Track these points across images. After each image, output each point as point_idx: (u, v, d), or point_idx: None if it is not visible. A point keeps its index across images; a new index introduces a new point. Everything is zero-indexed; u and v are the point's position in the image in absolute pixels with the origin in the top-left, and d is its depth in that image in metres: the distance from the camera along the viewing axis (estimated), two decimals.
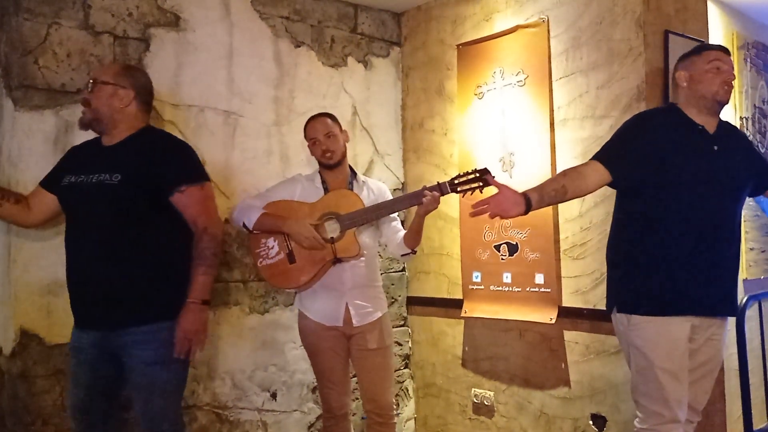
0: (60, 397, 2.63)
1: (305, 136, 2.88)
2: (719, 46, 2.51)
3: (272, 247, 2.77)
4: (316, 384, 3.38)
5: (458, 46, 3.49)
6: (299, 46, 3.43)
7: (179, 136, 3.00)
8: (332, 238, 2.71)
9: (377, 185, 2.95)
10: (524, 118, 3.15)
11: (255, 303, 3.24)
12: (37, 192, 2.46)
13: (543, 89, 3.07)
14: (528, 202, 2.23)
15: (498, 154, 3.26)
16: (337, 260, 2.72)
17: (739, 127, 3.61)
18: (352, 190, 2.81)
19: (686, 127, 2.35)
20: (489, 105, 3.32)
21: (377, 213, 2.74)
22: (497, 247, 3.24)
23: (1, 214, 2.45)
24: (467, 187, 2.65)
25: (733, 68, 2.38)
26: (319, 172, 2.88)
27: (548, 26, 3.07)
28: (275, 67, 3.34)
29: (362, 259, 2.77)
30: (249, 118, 3.24)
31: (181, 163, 2.36)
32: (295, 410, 3.34)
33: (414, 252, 2.83)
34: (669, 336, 2.24)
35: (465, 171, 2.69)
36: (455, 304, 3.45)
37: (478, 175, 2.63)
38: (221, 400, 3.11)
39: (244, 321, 3.20)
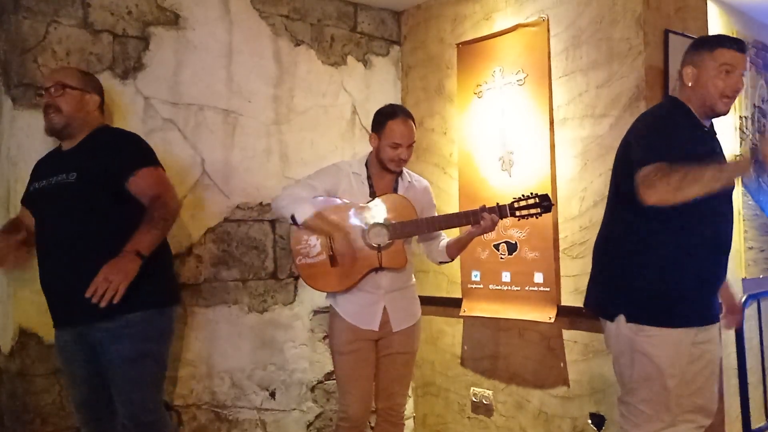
0: (59, 396, 2.64)
1: (382, 133, 2.62)
2: (736, 41, 2.25)
3: (314, 246, 2.62)
4: (315, 383, 3.39)
5: (458, 45, 3.49)
6: (299, 45, 3.43)
7: (178, 135, 3.02)
8: (379, 245, 2.58)
9: (422, 184, 2.81)
10: (524, 117, 3.15)
11: (254, 302, 3.24)
12: (23, 211, 2.50)
13: (543, 88, 3.07)
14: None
15: (497, 153, 3.25)
16: (380, 269, 2.61)
17: (738, 126, 3.62)
18: (397, 190, 2.68)
19: (700, 130, 2.25)
20: (489, 104, 3.31)
21: (429, 227, 2.64)
22: (496, 246, 3.24)
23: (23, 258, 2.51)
24: (526, 212, 2.59)
25: (743, 72, 2.19)
26: (366, 164, 2.71)
27: (548, 25, 3.07)
28: (275, 66, 3.34)
29: None
30: (248, 117, 3.24)
31: (132, 151, 2.38)
32: (294, 409, 3.34)
33: (452, 260, 2.81)
34: (679, 344, 2.19)
35: (525, 194, 2.61)
36: (454, 303, 3.45)
37: (538, 200, 2.58)
38: (220, 399, 3.11)
39: (243, 320, 3.20)
